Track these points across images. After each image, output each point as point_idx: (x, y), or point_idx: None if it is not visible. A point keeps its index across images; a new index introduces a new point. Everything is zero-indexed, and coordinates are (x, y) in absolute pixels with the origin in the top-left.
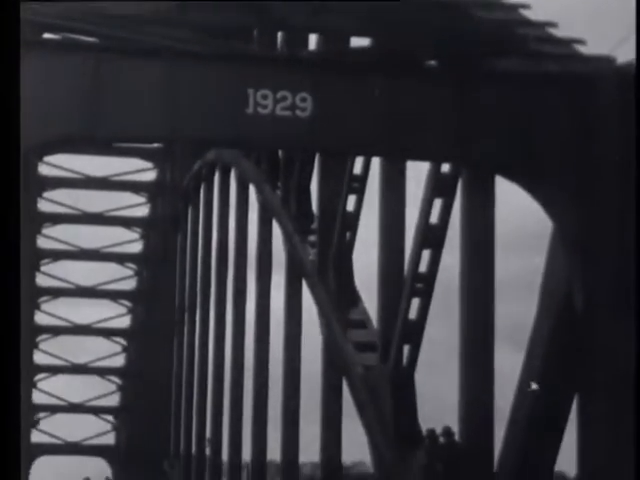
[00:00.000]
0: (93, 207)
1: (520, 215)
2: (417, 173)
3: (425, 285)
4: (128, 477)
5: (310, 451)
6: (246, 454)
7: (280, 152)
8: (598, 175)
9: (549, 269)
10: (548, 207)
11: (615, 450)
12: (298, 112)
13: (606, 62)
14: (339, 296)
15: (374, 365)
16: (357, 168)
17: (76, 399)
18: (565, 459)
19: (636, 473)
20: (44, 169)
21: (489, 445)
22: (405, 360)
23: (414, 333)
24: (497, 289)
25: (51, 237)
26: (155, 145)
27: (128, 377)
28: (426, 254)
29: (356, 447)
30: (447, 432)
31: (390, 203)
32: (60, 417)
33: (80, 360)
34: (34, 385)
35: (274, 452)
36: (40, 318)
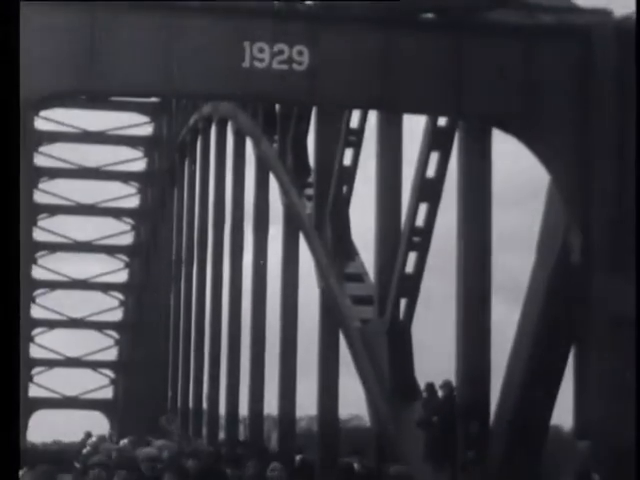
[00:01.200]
0: (90, 161)
1: (517, 169)
2: (413, 126)
3: (422, 239)
4: (126, 431)
5: (307, 405)
6: (243, 408)
7: (277, 105)
8: (596, 128)
9: (546, 222)
10: (545, 160)
11: (612, 402)
12: (295, 65)
13: (603, 15)
14: (336, 250)
15: (371, 319)
16: (354, 122)
17: (73, 353)
18: (561, 412)
19: (637, 426)
20: (41, 123)
21: (485, 398)
22: (402, 314)
23: (411, 287)
24: (494, 243)
25: (48, 192)
26: (152, 99)
27: (125, 331)
28: (423, 208)
29: (353, 401)
30: (447, 386)
31: (387, 157)
32: (58, 371)
33: (77, 314)
34: (31, 339)
35: (271, 406)
36: (37, 273)
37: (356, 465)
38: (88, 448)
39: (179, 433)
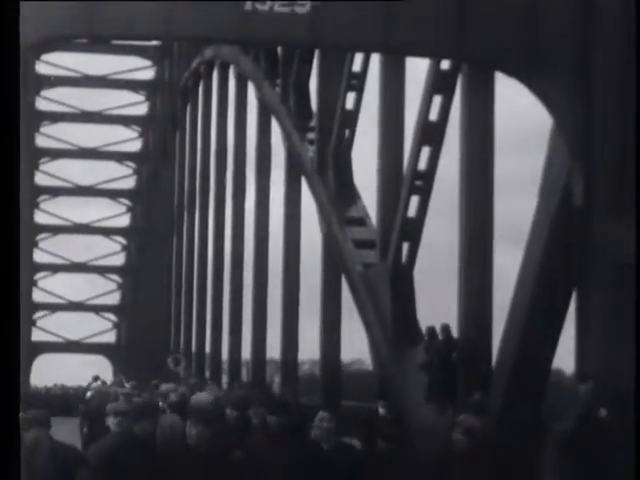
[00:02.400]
0: (91, 106)
1: (519, 115)
2: (416, 70)
3: (424, 182)
4: (130, 374)
5: (309, 349)
6: (245, 352)
7: (279, 49)
8: (598, 70)
9: (548, 166)
10: (548, 103)
11: (612, 345)
12: (297, 8)
13: None
14: (338, 194)
15: (373, 263)
16: (357, 65)
17: (76, 297)
18: (562, 356)
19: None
20: (42, 67)
21: (488, 342)
22: (404, 258)
23: (413, 231)
24: (496, 187)
25: (50, 136)
26: (153, 43)
27: (128, 275)
28: (425, 151)
29: (355, 345)
30: (445, 329)
31: (389, 100)
32: (60, 315)
33: (80, 259)
34: (34, 284)
35: (273, 350)
36: (40, 217)
37: (381, 410)
38: (92, 392)
39: (188, 375)
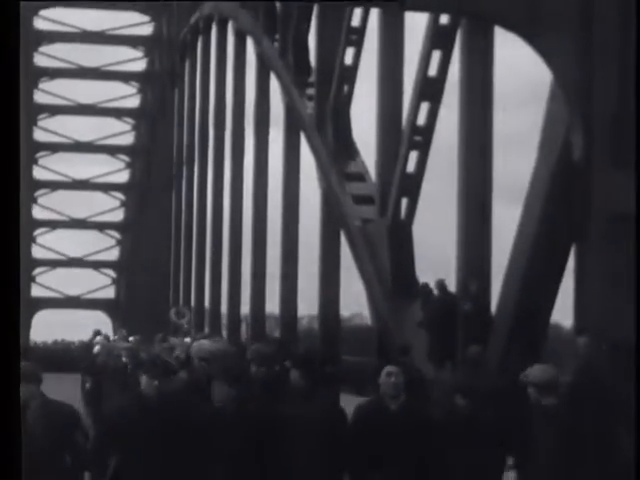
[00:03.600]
0: (90, 62)
1: (519, 69)
2: (415, 25)
3: (423, 138)
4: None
5: (308, 304)
6: (245, 307)
7: (278, 4)
8: (598, 23)
9: (548, 120)
10: (547, 57)
11: (612, 298)
12: None
13: None
14: (337, 149)
15: (372, 218)
16: (356, 20)
17: (75, 254)
18: (561, 311)
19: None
20: (40, 23)
21: (487, 297)
22: (403, 213)
23: (412, 186)
24: (495, 143)
25: (48, 92)
26: None
27: (127, 231)
28: (424, 107)
29: (354, 300)
30: (440, 285)
31: (388, 55)
32: (60, 272)
33: (79, 215)
34: (33, 240)
35: (273, 305)
36: (38, 173)
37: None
38: (98, 347)
39: (191, 328)
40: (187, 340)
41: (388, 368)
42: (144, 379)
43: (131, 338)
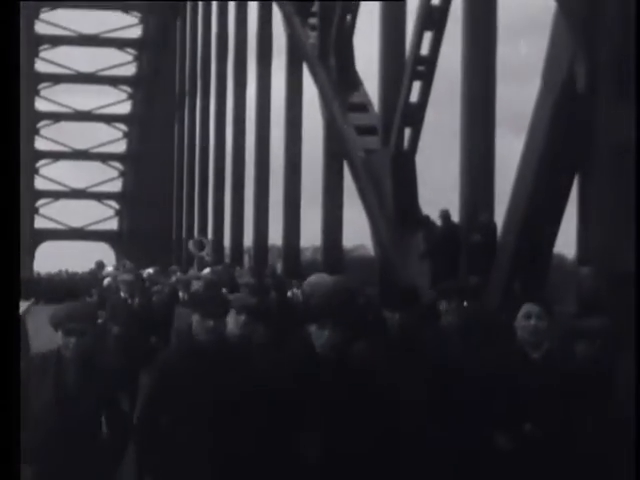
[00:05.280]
0: None
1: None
2: None
3: (426, 68)
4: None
5: (312, 235)
6: (248, 239)
7: None
8: None
9: (551, 50)
10: None
11: (614, 230)
12: None
13: None
14: (340, 79)
15: (375, 149)
16: None
17: (78, 185)
18: (565, 242)
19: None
20: None
21: (490, 227)
22: (406, 143)
23: (415, 116)
24: (498, 74)
25: (49, 22)
26: None
27: (129, 163)
28: (427, 36)
29: (357, 231)
30: (444, 215)
31: None
32: (63, 203)
33: (81, 146)
34: (36, 171)
35: (276, 236)
36: (41, 104)
37: None
38: (109, 279)
39: (211, 258)
40: (206, 271)
41: (527, 307)
42: (234, 317)
43: (150, 270)
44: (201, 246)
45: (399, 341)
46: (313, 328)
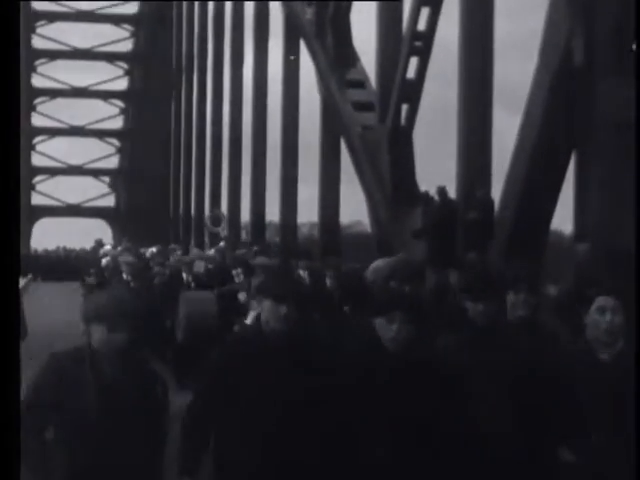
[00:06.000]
0: None
1: None
2: None
3: (423, 43)
4: (130, 237)
5: (308, 211)
6: (245, 215)
7: None
8: None
9: (549, 25)
10: None
11: (610, 206)
12: None
13: None
14: (337, 56)
15: (372, 125)
16: None
17: (75, 161)
18: (562, 219)
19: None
20: None
21: (488, 204)
22: (403, 120)
23: (413, 92)
24: (496, 50)
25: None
26: None
27: (126, 139)
28: (425, 12)
29: (354, 207)
30: (441, 192)
31: None
32: (60, 179)
33: (78, 122)
34: (33, 147)
35: (272, 213)
36: (37, 81)
37: None
38: (108, 258)
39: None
40: (211, 252)
41: (600, 301)
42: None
43: (153, 249)
44: (218, 221)
45: (487, 337)
46: (379, 320)
